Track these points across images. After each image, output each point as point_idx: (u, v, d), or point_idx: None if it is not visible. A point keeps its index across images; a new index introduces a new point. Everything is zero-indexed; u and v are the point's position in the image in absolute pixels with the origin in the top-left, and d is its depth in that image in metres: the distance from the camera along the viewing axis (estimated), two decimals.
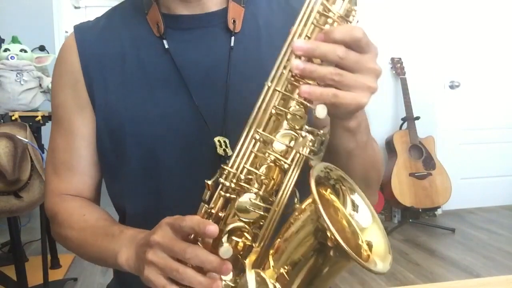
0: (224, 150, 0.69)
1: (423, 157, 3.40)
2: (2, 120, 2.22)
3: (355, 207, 0.55)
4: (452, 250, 2.98)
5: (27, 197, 1.85)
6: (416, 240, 3.15)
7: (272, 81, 0.55)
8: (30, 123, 2.18)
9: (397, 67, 3.51)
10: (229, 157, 0.68)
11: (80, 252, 0.73)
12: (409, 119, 3.43)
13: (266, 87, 0.55)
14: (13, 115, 2.30)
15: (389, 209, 3.57)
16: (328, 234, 0.46)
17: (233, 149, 0.68)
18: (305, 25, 0.55)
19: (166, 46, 0.72)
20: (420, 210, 3.40)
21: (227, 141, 0.70)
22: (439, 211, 3.70)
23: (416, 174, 3.35)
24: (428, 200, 3.35)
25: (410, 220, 3.39)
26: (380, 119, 3.51)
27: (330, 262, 0.51)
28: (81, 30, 0.78)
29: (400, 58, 3.54)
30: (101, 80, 0.73)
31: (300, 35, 0.54)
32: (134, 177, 0.73)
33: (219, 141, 0.70)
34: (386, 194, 3.36)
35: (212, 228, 0.49)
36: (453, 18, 3.64)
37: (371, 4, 3.47)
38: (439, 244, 3.15)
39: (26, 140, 1.92)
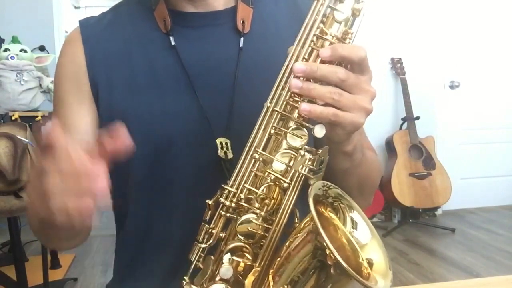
0: (225, 152, 0.69)
1: (423, 157, 3.40)
2: (2, 120, 2.22)
3: (354, 224, 0.55)
4: (452, 250, 2.98)
5: (27, 197, 1.85)
6: (416, 240, 3.15)
7: (271, 102, 0.56)
8: (30, 123, 2.18)
9: (397, 67, 3.51)
10: (229, 160, 0.68)
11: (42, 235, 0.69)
12: (409, 119, 3.43)
13: (265, 108, 0.56)
14: (13, 115, 2.30)
15: (389, 209, 3.57)
16: (327, 252, 0.46)
17: (234, 151, 0.69)
18: (302, 47, 0.56)
19: (173, 43, 0.71)
20: (420, 210, 3.40)
21: (229, 143, 0.69)
22: (439, 211, 3.70)
23: (416, 174, 3.35)
24: (428, 200, 3.35)
25: (410, 220, 3.39)
26: (380, 119, 3.51)
27: (331, 281, 0.50)
28: (86, 26, 0.76)
29: (400, 58, 3.54)
30: (106, 77, 0.72)
31: (298, 58, 0.55)
32: (139, 176, 0.72)
33: (220, 142, 0.69)
34: (386, 194, 3.36)
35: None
36: (453, 18, 3.64)
37: (371, 4, 3.47)
38: (439, 244, 3.15)
39: (26, 140, 1.92)
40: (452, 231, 3.29)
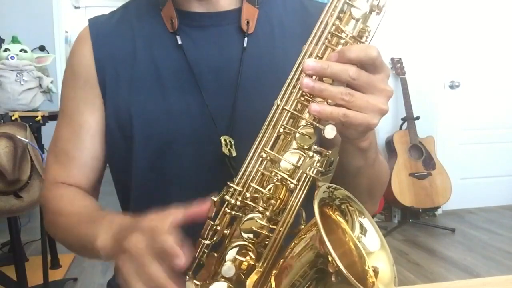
0: (229, 149, 0.69)
1: (423, 157, 3.40)
2: (2, 120, 2.22)
3: (363, 230, 0.54)
4: (452, 250, 2.98)
5: (27, 197, 1.85)
6: (416, 240, 3.15)
7: (281, 100, 0.55)
8: (30, 123, 2.18)
9: (397, 67, 3.51)
10: (233, 157, 0.69)
11: (64, 239, 0.72)
12: (409, 119, 3.43)
13: (275, 106, 0.55)
14: (13, 115, 2.30)
15: (389, 209, 3.57)
16: (330, 259, 0.45)
17: (237, 150, 0.69)
18: (316, 44, 0.54)
19: (179, 42, 0.72)
20: (420, 210, 3.40)
21: (232, 141, 0.70)
22: (439, 211, 3.70)
23: (416, 174, 3.35)
24: (428, 200, 3.35)
25: (410, 220, 3.39)
26: None
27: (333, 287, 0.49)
28: (95, 25, 0.78)
29: (400, 58, 3.54)
30: (114, 75, 0.73)
31: (311, 55, 0.54)
32: (142, 172, 0.73)
33: (225, 140, 0.70)
34: (386, 194, 3.35)
35: (178, 262, 0.47)
36: (453, 18, 3.64)
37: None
38: (439, 244, 3.15)
39: (26, 140, 1.92)
40: (452, 231, 3.29)
